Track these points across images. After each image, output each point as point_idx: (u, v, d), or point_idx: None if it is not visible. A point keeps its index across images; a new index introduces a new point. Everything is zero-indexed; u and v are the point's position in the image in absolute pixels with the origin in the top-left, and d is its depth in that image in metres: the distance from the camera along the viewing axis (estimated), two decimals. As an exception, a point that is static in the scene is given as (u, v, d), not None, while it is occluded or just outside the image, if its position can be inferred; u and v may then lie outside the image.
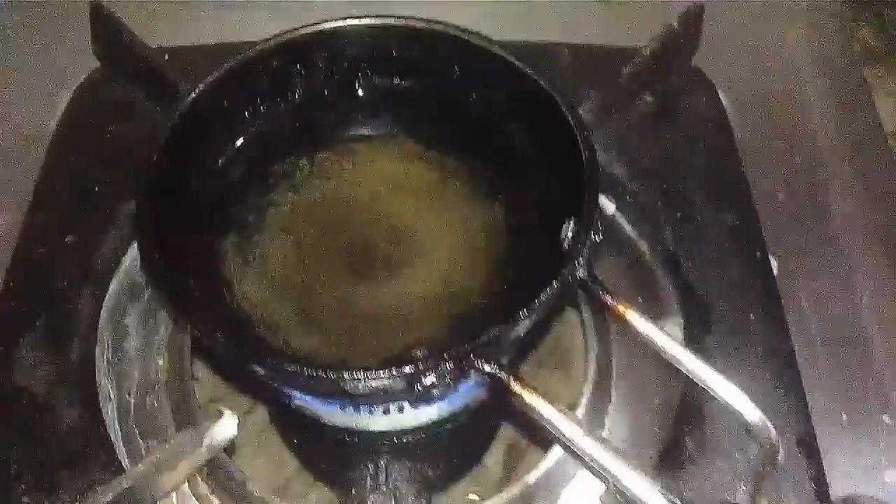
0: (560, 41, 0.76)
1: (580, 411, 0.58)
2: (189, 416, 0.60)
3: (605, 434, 0.60)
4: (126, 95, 0.72)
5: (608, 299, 0.50)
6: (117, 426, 0.59)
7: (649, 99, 0.71)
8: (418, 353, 0.48)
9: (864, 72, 0.79)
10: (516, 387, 0.46)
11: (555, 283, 0.47)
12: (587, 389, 0.59)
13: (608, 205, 0.69)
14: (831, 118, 0.73)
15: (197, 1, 0.81)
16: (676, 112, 0.72)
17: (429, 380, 0.46)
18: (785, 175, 0.69)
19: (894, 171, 0.70)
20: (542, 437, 0.58)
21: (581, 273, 0.50)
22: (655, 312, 0.64)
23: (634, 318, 0.49)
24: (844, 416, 0.58)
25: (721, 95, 0.73)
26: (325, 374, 0.46)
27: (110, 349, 0.62)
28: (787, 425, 0.56)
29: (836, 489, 0.54)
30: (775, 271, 0.63)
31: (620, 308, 0.50)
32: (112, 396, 0.60)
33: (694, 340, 0.60)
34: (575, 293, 0.50)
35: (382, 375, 0.45)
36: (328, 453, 0.60)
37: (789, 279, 0.63)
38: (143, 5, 0.77)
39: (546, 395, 0.46)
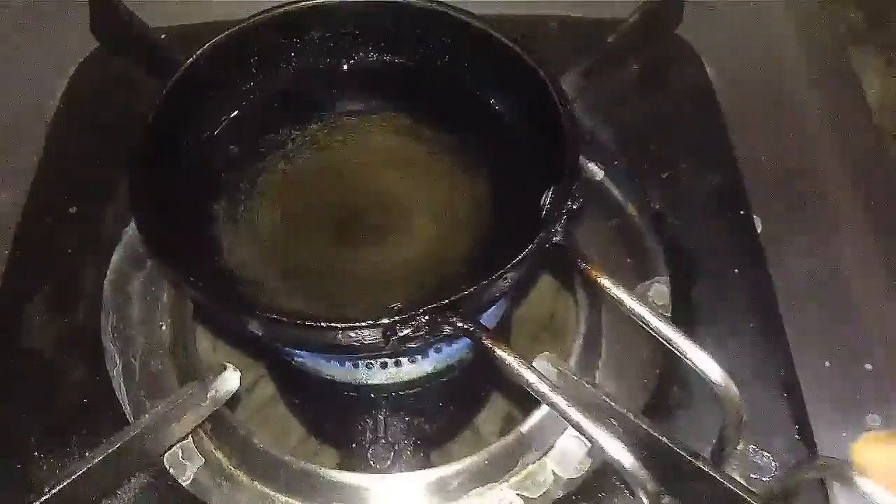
0: (548, 13, 0.78)
1: (571, 362, 0.60)
2: (192, 377, 0.61)
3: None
4: (126, 73, 0.73)
5: (581, 264, 0.51)
6: (123, 388, 0.61)
7: (635, 67, 0.73)
8: (395, 306, 0.49)
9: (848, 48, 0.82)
10: (488, 342, 0.47)
11: (530, 247, 0.49)
12: (577, 344, 0.61)
13: (596, 170, 0.71)
14: (814, 84, 0.75)
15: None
16: (662, 79, 0.74)
17: (404, 332, 0.47)
18: (768, 139, 0.71)
19: (872, 132, 0.72)
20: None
21: (558, 238, 0.51)
22: (643, 271, 0.66)
23: (606, 283, 0.50)
24: (827, 364, 0.59)
25: (705, 64, 0.74)
26: (306, 324, 0.47)
27: (115, 315, 0.64)
28: (772, 373, 0.58)
29: (820, 434, 0.56)
30: (759, 229, 0.65)
31: (593, 273, 0.51)
32: (118, 360, 0.62)
33: (680, 296, 0.62)
34: (551, 257, 0.52)
35: (358, 325, 0.47)
36: (328, 408, 0.62)
37: (774, 237, 0.65)
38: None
39: (515, 350, 0.48)
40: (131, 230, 0.67)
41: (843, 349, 0.60)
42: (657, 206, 0.67)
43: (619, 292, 0.49)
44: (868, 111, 0.74)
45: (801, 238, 0.66)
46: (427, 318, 0.47)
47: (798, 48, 0.78)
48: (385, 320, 0.46)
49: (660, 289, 0.64)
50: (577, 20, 0.77)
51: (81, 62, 0.75)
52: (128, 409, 0.60)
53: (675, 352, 0.48)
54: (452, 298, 0.47)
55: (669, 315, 0.62)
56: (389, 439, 0.60)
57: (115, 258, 0.65)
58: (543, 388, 0.45)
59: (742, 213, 0.65)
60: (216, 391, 0.55)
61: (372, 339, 0.47)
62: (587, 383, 0.53)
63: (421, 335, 0.47)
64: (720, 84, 0.74)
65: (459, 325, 0.47)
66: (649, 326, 0.48)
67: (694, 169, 0.68)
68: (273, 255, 0.57)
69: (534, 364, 0.55)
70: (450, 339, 0.49)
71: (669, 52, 0.75)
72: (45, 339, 0.60)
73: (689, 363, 0.48)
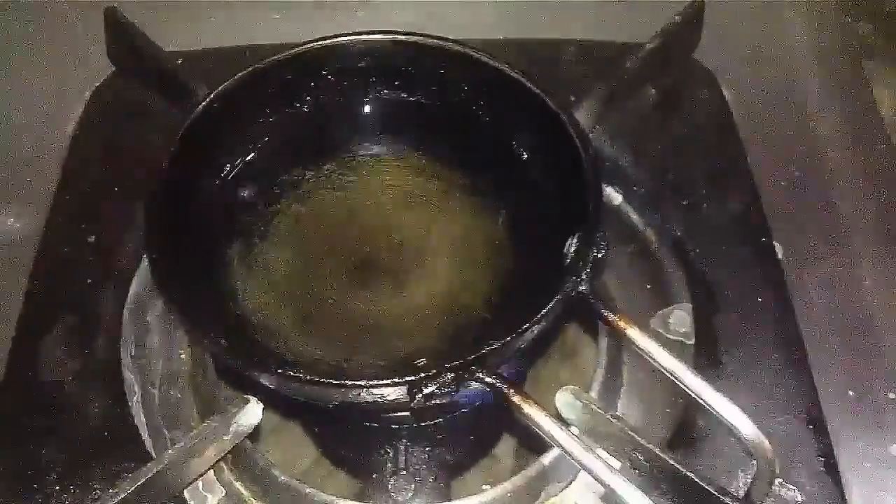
0: (564, 37, 0.78)
1: (593, 394, 0.60)
2: (212, 406, 0.61)
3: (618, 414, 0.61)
4: (142, 98, 0.73)
5: (609, 315, 0.51)
6: (143, 418, 0.61)
7: (653, 92, 0.73)
8: (420, 362, 0.49)
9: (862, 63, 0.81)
10: (516, 398, 0.47)
11: (556, 299, 0.49)
12: (599, 373, 0.61)
13: (615, 195, 0.70)
14: (831, 107, 0.75)
15: (209, 4, 0.82)
16: (680, 104, 0.73)
17: (429, 389, 0.47)
18: (787, 164, 0.70)
19: (892, 158, 0.71)
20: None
21: (583, 288, 0.51)
22: (663, 297, 0.66)
23: (635, 334, 0.50)
24: (851, 394, 0.59)
25: (723, 87, 0.74)
26: (327, 382, 0.47)
27: (133, 344, 0.64)
28: (796, 404, 0.58)
29: (844, 463, 0.56)
30: (780, 256, 0.64)
31: (622, 324, 0.51)
32: (137, 390, 0.62)
33: (703, 326, 0.62)
34: (577, 308, 0.51)
35: (383, 384, 0.47)
36: (348, 438, 0.62)
37: (794, 264, 0.64)
38: (156, 9, 0.78)
39: (545, 407, 0.48)
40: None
41: (866, 378, 0.60)
42: (677, 232, 0.66)
43: (647, 344, 0.49)
44: (885, 134, 0.74)
45: (822, 264, 0.66)
46: (453, 374, 0.46)
47: (813, 66, 0.78)
48: (411, 377, 0.46)
49: (681, 316, 0.64)
50: (593, 44, 0.77)
51: (98, 87, 0.75)
52: (147, 441, 0.59)
53: (708, 407, 0.48)
54: (479, 354, 0.47)
55: (693, 342, 0.62)
56: (410, 470, 0.59)
57: (133, 287, 0.65)
58: (576, 449, 0.46)
59: (763, 240, 0.65)
60: (238, 424, 0.55)
61: (397, 397, 0.47)
62: (612, 417, 0.53)
63: (447, 392, 0.47)
64: (737, 107, 0.74)
65: (487, 380, 0.47)
66: (679, 380, 0.49)
67: (713, 195, 0.68)
68: (289, 299, 0.57)
69: (557, 397, 0.55)
70: (474, 394, 0.48)
71: (687, 76, 0.75)
72: (64, 372, 0.60)
73: (721, 418, 0.48)
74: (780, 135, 0.73)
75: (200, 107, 0.59)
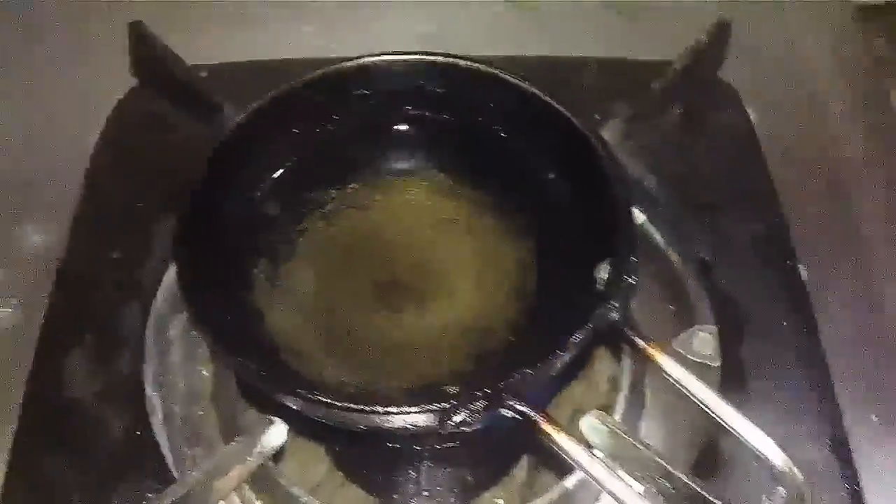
0: (587, 55, 0.78)
1: (616, 416, 0.59)
2: (234, 424, 0.61)
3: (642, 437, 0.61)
4: (165, 112, 0.73)
5: (640, 342, 0.51)
6: (165, 436, 0.61)
7: (677, 111, 0.73)
8: (451, 389, 0.49)
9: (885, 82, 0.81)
10: (547, 427, 0.47)
11: (588, 326, 0.49)
12: (622, 395, 0.60)
13: (638, 214, 0.70)
14: (855, 126, 0.75)
15: (232, 17, 0.82)
16: (703, 123, 0.73)
17: (460, 417, 0.47)
18: (811, 183, 0.70)
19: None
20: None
21: (615, 315, 0.51)
22: (685, 318, 0.66)
23: (667, 362, 0.51)
24: (874, 418, 0.59)
25: (747, 106, 0.74)
26: (358, 409, 0.47)
27: (156, 361, 0.64)
28: (822, 429, 0.57)
29: (868, 487, 0.56)
30: (804, 278, 0.64)
31: (653, 352, 0.51)
32: (159, 408, 0.62)
33: (727, 348, 0.61)
34: (608, 334, 0.51)
35: (414, 411, 0.46)
36: (368, 458, 0.62)
37: (818, 285, 0.64)
38: (180, 21, 0.79)
39: (576, 436, 0.48)
40: (171, 273, 0.66)
41: (890, 402, 0.60)
42: (700, 252, 0.66)
43: (679, 373, 0.49)
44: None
45: (846, 285, 0.65)
46: (485, 402, 0.46)
47: (836, 85, 0.78)
48: (442, 404, 0.46)
49: (704, 337, 0.64)
50: (617, 62, 0.77)
51: (120, 100, 0.75)
52: (169, 459, 0.59)
53: (738, 436, 0.48)
54: (510, 380, 0.47)
55: (717, 365, 0.61)
56: (432, 491, 0.59)
57: (156, 303, 0.65)
58: (603, 475, 0.46)
59: (788, 262, 0.64)
60: (262, 446, 0.55)
61: (427, 423, 0.46)
62: (638, 442, 0.53)
63: (477, 419, 0.47)
64: (761, 126, 0.73)
65: (518, 408, 0.47)
66: (711, 409, 0.49)
67: (737, 215, 0.68)
68: (314, 319, 0.57)
69: (583, 421, 0.55)
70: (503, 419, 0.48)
71: (711, 95, 0.74)
72: (87, 390, 0.60)
73: (752, 448, 0.48)
74: (804, 154, 0.73)
75: (232, 126, 0.59)
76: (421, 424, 0.47)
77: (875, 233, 0.68)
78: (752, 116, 0.73)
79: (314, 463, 0.63)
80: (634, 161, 0.69)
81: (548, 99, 0.60)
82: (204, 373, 0.65)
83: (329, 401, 0.47)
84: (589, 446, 0.54)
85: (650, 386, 0.63)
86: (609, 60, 0.77)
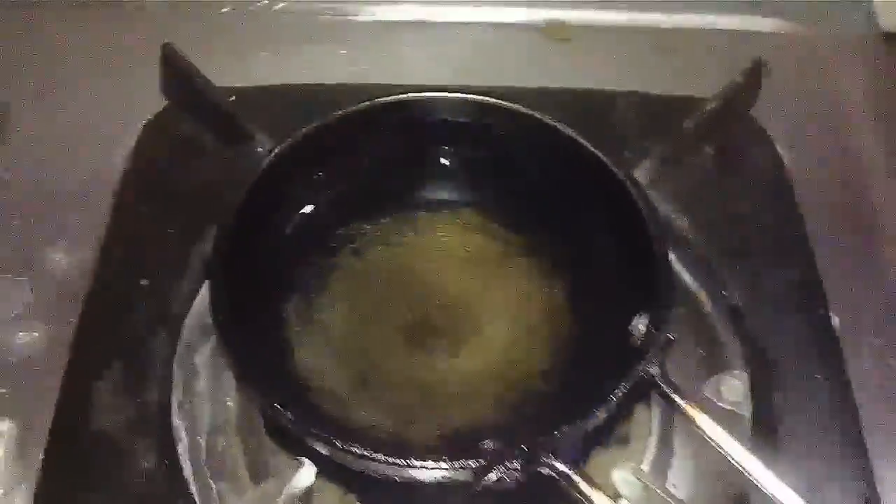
0: (617, 89, 0.77)
1: (645, 466, 0.59)
2: (260, 457, 0.61)
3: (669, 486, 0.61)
4: (194, 134, 0.73)
5: (679, 400, 0.51)
6: (190, 467, 0.60)
7: (709, 151, 0.72)
8: (487, 445, 0.48)
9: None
10: (585, 487, 0.47)
11: (627, 381, 0.49)
12: (652, 443, 0.60)
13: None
14: (887, 165, 0.74)
15: (260, 41, 0.82)
16: (735, 164, 0.73)
17: (496, 474, 0.46)
18: (843, 229, 0.70)
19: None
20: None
21: (653, 370, 0.51)
22: (714, 363, 0.65)
23: (705, 421, 0.51)
24: (906, 474, 0.59)
25: (779, 147, 0.73)
26: (392, 462, 0.47)
27: (181, 390, 0.63)
28: (852, 485, 0.57)
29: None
30: (836, 327, 0.64)
31: (691, 411, 0.51)
32: (185, 438, 0.61)
33: (758, 397, 0.61)
34: (645, 390, 0.51)
35: (449, 466, 0.46)
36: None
37: (851, 335, 0.64)
38: (208, 42, 0.78)
39: (608, 491, 0.47)
40: (199, 299, 0.66)
41: (921, 459, 0.59)
42: (731, 297, 0.66)
43: (717, 433, 0.48)
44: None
45: (878, 336, 0.65)
46: (523, 460, 0.46)
47: (870, 128, 0.77)
48: (481, 461, 0.46)
49: (733, 384, 0.63)
50: (647, 97, 0.76)
51: (150, 120, 0.75)
52: (194, 490, 0.59)
53: (765, 492, 0.48)
54: (549, 438, 0.46)
55: (747, 414, 0.61)
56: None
57: (184, 332, 0.65)
58: None
59: (821, 311, 0.64)
60: (291, 488, 0.54)
61: (461, 478, 0.46)
62: (673, 500, 0.53)
63: (514, 477, 0.46)
64: (793, 166, 0.73)
65: (558, 467, 0.46)
66: (747, 472, 0.49)
67: (769, 259, 0.67)
68: (344, 359, 0.57)
69: (615, 474, 0.54)
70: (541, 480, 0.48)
71: (742, 134, 0.74)
72: (114, 419, 0.59)
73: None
74: (837, 199, 0.72)
75: (268, 160, 0.58)
76: (455, 479, 0.47)
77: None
78: (785, 157, 0.73)
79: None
80: (665, 201, 0.69)
81: (584, 142, 0.60)
82: (229, 403, 0.64)
83: (363, 452, 0.47)
84: (620, 498, 0.54)
85: (678, 433, 0.63)
86: (641, 95, 0.76)
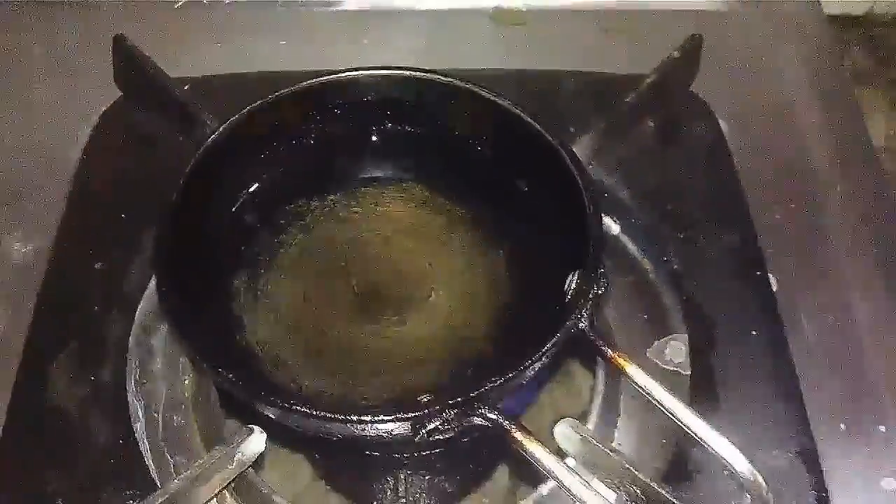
0: (561, 69, 0.79)
1: (590, 424, 0.61)
2: (215, 432, 0.62)
3: (615, 445, 0.62)
4: (148, 124, 0.74)
5: (609, 352, 0.53)
6: (147, 443, 0.62)
7: (650, 124, 0.74)
8: (424, 398, 0.50)
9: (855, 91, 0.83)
10: (518, 434, 0.49)
11: (556, 337, 0.50)
12: (596, 403, 0.62)
13: (613, 226, 0.71)
14: (825, 137, 0.76)
15: (216, 29, 0.83)
16: (677, 136, 0.75)
17: (432, 425, 0.48)
18: (781, 195, 0.72)
19: (884, 187, 0.73)
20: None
21: (583, 325, 0.52)
22: (659, 328, 0.67)
23: (634, 371, 0.52)
24: (842, 427, 0.60)
25: (719, 119, 0.75)
26: (333, 417, 0.48)
27: (138, 369, 0.65)
28: (790, 437, 0.59)
29: (836, 498, 0.57)
30: (774, 288, 0.66)
31: (621, 361, 0.52)
32: (141, 415, 0.63)
33: (698, 357, 0.63)
34: (577, 344, 0.53)
35: (388, 419, 0.48)
36: (348, 466, 0.63)
37: (787, 295, 0.66)
38: (163, 34, 0.80)
39: (546, 444, 0.49)
40: (153, 283, 0.67)
41: (858, 411, 0.61)
42: (673, 264, 0.68)
43: (646, 382, 0.50)
44: (878, 164, 0.75)
45: (815, 295, 0.67)
46: (456, 410, 0.48)
47: (807, 96, 0.79)
48: (415, 413, 0.47)
49: (676, 347, 0.65)
50: (590, 76, 0.78)
51: (105, 111, 0.76)
52: (151, 466, 0.60)
53: (705, 446, 0.50)
54: (481, 390, 0.48)
55: (688, 374, 0.63)
56: (411, 499, 0.60)
57: (139, 313, 0.66)
58: (574, 485, 0.47)
59: (758, 273, 0.66)
60: (243, 454, 0.56)
61: (401, 432, 0.48)
62: (610, 450, 0.54)
63: (450, 427, 0.48)
64: (733, 139, 0.75)
65: (490, 416, 0.48)
66: (677, 418, 0.50)
67: (709, 226, 0.69)
68: (293, 330, 0.59)
69: (556, 429, 0.56)
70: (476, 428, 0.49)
71: (684, 108, 0.76)
72: (71, 398, 0.61)
73: (717, 455, 0.49)
74: (775, 166, 0.74)
75: (209, 141, 0.60)
76: (395, 433, 0.48)
77: (843, 243, 0.70)
78: (724, 129, 0.75)
79: (297, 471, 0.64)
80: (609, 173, 0.71)
81: (520, 113, 0.61)
82: (185, 381, 0.65)
83: (304, 410, 0.48)
84: (562, 454, 0.56)
85: (625, 394, 0.64)
86: (587, 74, 0.78)
